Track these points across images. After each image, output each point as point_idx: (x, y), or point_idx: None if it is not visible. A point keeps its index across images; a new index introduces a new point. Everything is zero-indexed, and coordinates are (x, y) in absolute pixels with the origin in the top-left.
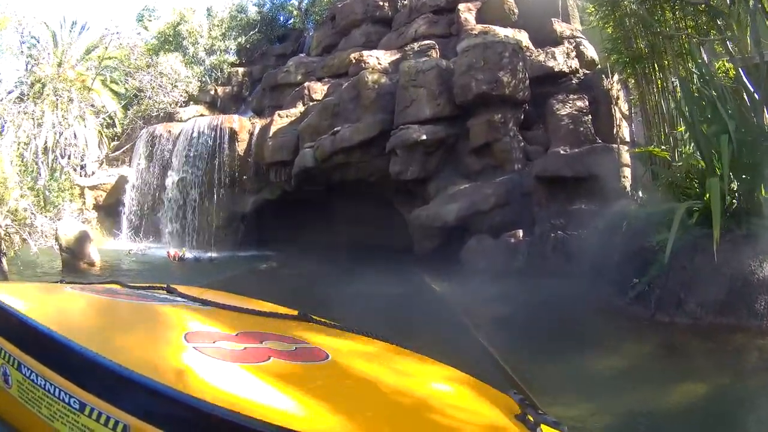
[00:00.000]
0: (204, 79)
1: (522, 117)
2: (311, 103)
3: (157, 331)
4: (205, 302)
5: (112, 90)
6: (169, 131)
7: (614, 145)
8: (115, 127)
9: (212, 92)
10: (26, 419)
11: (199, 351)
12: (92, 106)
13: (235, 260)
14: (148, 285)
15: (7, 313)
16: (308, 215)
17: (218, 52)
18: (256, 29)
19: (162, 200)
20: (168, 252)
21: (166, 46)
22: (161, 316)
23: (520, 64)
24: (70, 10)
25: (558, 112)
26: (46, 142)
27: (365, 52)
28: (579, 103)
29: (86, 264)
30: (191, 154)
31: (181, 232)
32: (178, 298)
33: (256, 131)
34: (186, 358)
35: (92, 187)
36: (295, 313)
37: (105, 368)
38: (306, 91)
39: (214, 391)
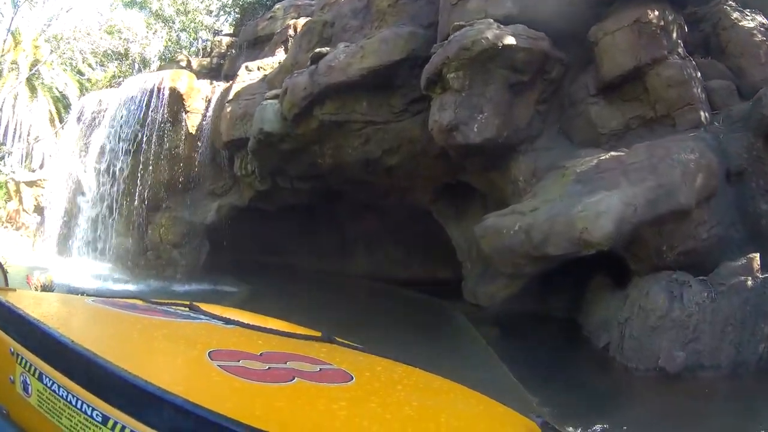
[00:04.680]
0: (173, 47)
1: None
2: None
3: (181, 348)
4: (228, 321)
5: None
6: (99, 101)
7: None
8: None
9: (183, 63)
10: (45, 429)
11: (224, 369)
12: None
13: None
14: (170, 302)
15: (29, 323)
16: (309, 232)
17: (192, 12)
18: None
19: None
20: (28, 276)
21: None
22: (185, 333)
23: None
24: None
25: (740, 24)
26: None
27: None
28: (759, 18)
29: None
30: (115, 133)
31: (96, 247)
32: (201, 316)
33: (215, 98)
34: (211, 376)
35: (30, 183)
36: (319, 334)
37: (130, 383)
38: (291, 32)
39: (240, 409)
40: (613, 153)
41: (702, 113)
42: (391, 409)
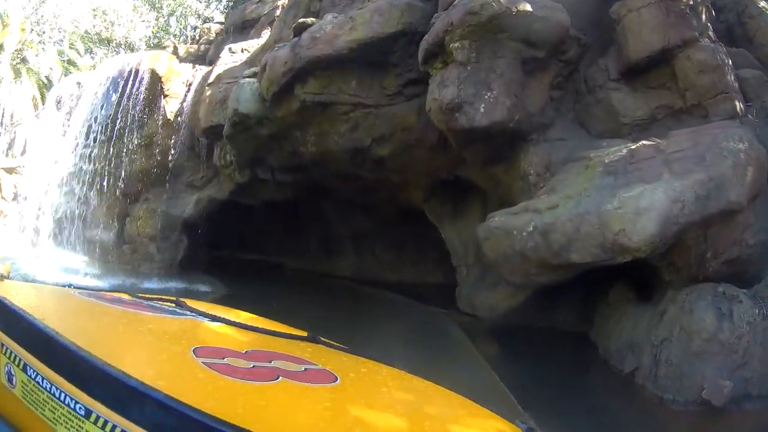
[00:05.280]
0: (161, 34)
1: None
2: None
3: (166, 344)
4: (214, 318)
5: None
6: (78, 84)
7: None
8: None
9: (170, 49)
10: (28, 420)
11: (209, 366)
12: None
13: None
14: (157, 297)
15: (15, 314)
16: (293, 230)
17: None
18: None
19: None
20: None
21: None
22: (171, 329)
23: None
24: None
25: None
26: None
27: None
28: None
29: None
30: (91, 118)
31: (68, 238)
32: (187, 312)
33: (196, 82)
34: (195, 372)
35: (9, 170)
36: (305, 334)
37: (114, 377)
38: (278, 12)
39: (223, 407)
40: (645, 141)
41: (737, 103)
42: (375, 410)
